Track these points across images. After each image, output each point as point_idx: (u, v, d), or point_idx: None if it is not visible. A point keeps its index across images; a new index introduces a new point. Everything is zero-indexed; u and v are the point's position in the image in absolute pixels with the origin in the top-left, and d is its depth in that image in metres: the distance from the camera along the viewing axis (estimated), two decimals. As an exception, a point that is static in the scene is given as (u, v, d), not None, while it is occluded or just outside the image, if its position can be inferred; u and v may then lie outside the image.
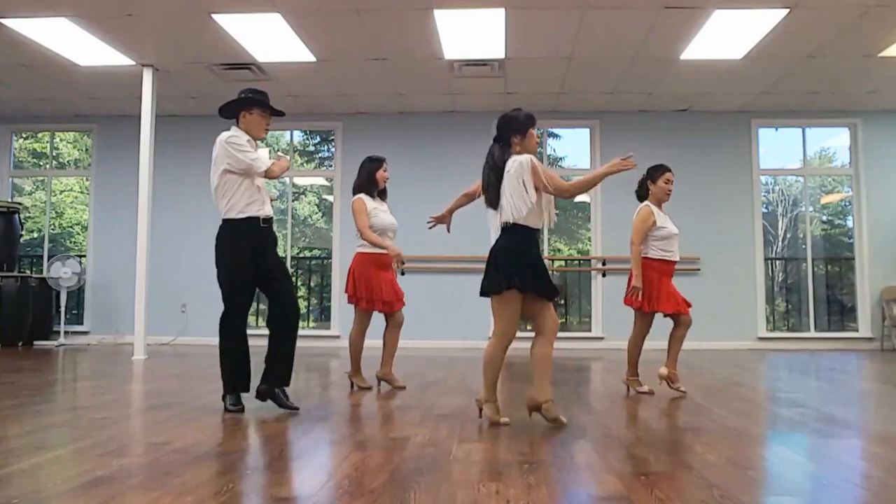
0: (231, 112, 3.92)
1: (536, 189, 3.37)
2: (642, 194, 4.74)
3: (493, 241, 3.50)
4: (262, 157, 3.83)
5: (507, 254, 3.37)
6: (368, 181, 4.78)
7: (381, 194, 4.87)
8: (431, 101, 8.76)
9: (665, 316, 4.64)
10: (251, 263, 3.79)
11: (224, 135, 3.83)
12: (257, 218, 3.82)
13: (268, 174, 3.80)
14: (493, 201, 3.47)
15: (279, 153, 3.93)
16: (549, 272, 3.70)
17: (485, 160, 3.56)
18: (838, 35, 6.56)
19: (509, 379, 5.75)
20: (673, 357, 4.61)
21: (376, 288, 4.69)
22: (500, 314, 3.42)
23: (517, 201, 3.35)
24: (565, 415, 3.52)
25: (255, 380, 3.87)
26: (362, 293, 4.69)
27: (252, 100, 3.90)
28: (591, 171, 8.96)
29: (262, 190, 3.90)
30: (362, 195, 4.76)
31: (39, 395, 4.47)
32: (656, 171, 4.68)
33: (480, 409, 3.53)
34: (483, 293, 3.47)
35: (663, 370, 4.62)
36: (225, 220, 3.82)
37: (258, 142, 3.99)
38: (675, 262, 4.64)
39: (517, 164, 3.38)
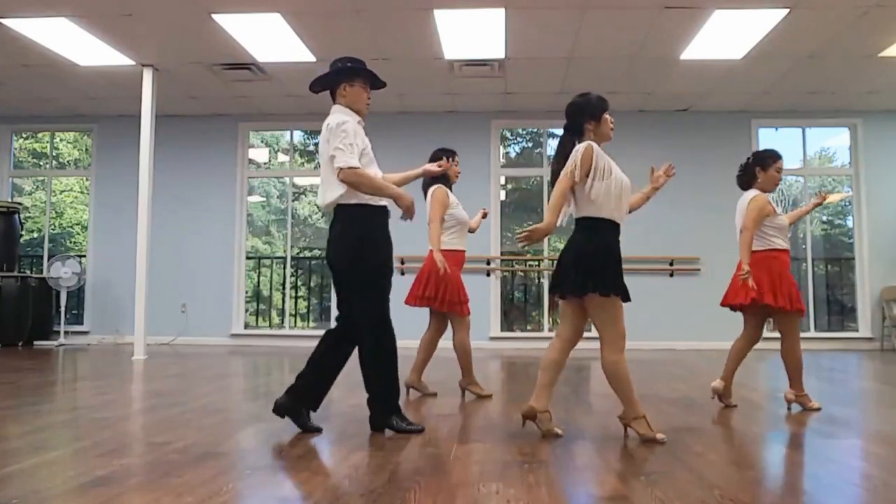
0: (327, 84, 3.28)
1: (587, 176, 2.95)
2: (747, 181, 4.20)
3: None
4: (358, 162, 3.09)
5: (598, 254, 2.99)
6: (439, 175, 4.42)
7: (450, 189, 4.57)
8: (431, 101, 8.75)
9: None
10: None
11: (334, 118, 3.16)
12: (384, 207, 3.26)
13: (352, 183, 3.08)
14: None
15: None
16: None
17: (555, 152, 3.20)
18: (838, 35, 6.56)
19: (509, 380, 5.75)
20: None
21: (463, 287, 4.45)
22: (611, 318, 3.00)
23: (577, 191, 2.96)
24: (565, 416, 3.52)
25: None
26: (451, 296, 4.35)
27: (354, 69, 3.25)
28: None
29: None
30: (442, 185, 4.49)
31: (39, 395, 4.47)
32: (768, 158, 4.13)
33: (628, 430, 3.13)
34: (569, 294, 3.05)
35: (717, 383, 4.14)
36: (358, 206, 3.18)
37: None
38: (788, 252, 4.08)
39: (575, 150, 3.00)
